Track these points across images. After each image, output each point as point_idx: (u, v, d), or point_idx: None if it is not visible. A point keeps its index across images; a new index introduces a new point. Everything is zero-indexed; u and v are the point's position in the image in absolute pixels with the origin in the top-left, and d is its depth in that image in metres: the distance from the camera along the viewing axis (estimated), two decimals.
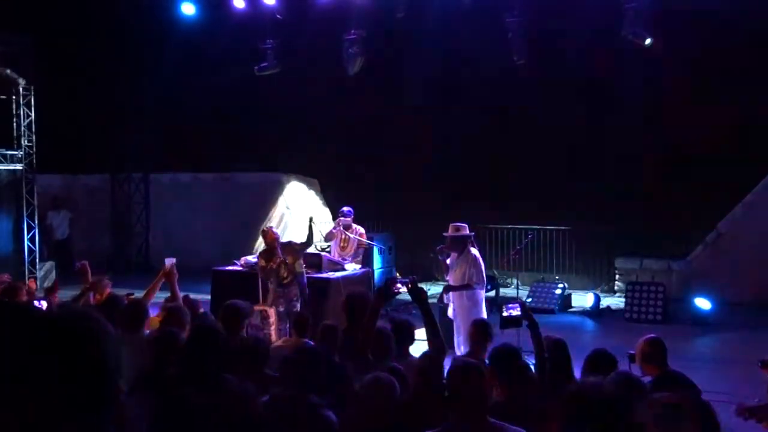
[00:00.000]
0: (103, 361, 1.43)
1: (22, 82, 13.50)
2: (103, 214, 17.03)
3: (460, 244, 7.90)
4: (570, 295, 12.33)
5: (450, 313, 7.99)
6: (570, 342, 4.98)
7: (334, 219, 11.85)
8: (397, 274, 11.43)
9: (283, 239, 8.90)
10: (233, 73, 14.67)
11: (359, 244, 10.33)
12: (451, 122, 14.00)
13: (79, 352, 1.40)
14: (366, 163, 14.69)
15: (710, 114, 11.83)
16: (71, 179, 17.09)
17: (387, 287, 4.79)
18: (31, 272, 13.58)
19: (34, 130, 13.73)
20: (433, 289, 10.93)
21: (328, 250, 10.81)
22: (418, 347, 5.16)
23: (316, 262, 9.61)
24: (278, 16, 13.34)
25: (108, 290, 6.88)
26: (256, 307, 8.36)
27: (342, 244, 10.32)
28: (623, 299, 11.51)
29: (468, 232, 8.04)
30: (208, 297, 9.60)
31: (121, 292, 6.91)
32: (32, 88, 13.65)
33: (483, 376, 3.34)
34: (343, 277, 9.46)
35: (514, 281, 12.17)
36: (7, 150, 13.46)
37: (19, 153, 13.61)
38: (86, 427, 1.40)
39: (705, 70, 11.67)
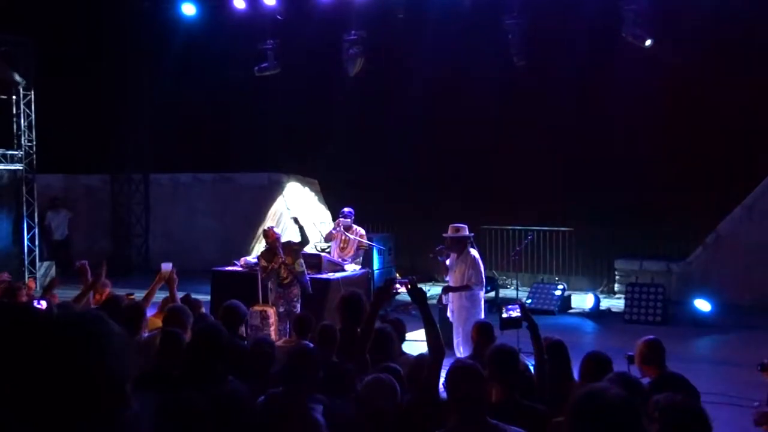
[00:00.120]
0: (106, 364, 1.42)
1: (22, 82, 13.51)
2: (103, 215, 17.02)
3: (459, 245, 7.91)
4: (570, 296, 12.32)
5: (449, 313, 7.99)
6: (569, 343, 5.00)
7: (334, 220, 11.84)
8: (397, 275, 11.44)
9: (283, 240, 8.90)
10: (233, 73, 14.69)
11: (359, 245, 10.33)
12: (451, 123, 14.00)
13: (79, 355, 1.39)
14: (366, 163, 14.67)
15: (710, 115, 11.85)
16: (71, 179, 17.08)
17: (386, 287, 4.79)
18: (30, 272, 13.60)
19: (34, 130, 13.75)
20: (432, 290, 10.93)
21: (328, 250, 10.80)
22: (418, 347, 5.16)
23: (315, 262, 9.62)
24: (278, 16, 13.36)
25: (108, 290, 6.89)
26: (257, 308, 8.37)
27: (342, 245, 10.31)
28: (623, 300, 11.49)
29: (467, 232, 8.05)
30: (208, 297, 9.60)
31: (121, 292, 6.91)
32: (32, 88, 13.67)
33: (482, 378, 3.35)
34: (343, 278, 9.48)
35: (514, 282, 12.17)
36: (7, 150, 13.46)
37: (19, 153, 13.62)
38: (90, 428, 1.40)
39: (705, 72, 11.66)
